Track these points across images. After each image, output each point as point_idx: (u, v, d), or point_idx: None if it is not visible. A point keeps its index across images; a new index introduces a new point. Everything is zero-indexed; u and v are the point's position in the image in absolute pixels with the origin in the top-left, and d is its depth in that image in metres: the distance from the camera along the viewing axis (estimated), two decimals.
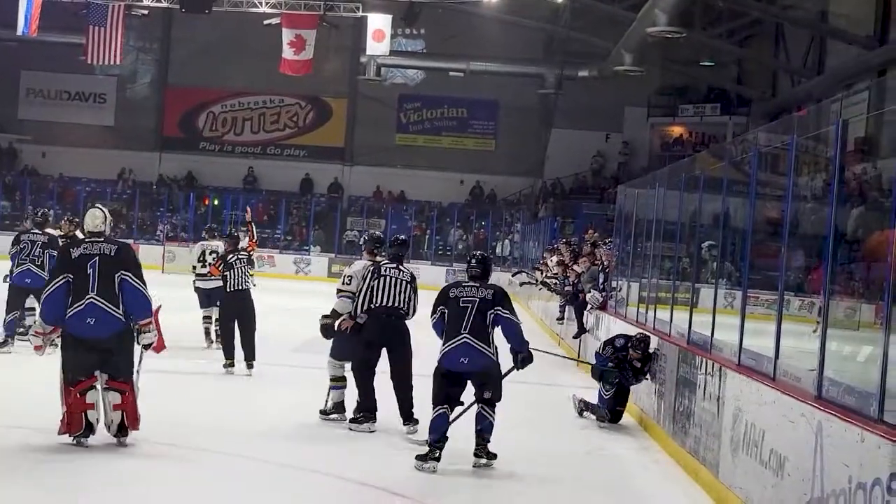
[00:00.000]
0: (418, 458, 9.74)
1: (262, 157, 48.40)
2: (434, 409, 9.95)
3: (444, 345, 10.09)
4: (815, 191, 9.10)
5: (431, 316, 10.39)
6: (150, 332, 9.74)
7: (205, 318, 17.22)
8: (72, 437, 9.46)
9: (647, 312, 13.98)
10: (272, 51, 36.66)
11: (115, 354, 9.58)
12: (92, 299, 9.45)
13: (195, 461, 9.67)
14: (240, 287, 14.67)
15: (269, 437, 10.79)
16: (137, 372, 9.90)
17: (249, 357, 14.65)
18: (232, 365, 14.64)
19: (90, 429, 9.53)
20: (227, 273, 14.68)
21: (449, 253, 44.00)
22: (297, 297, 30.44)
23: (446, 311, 10.20)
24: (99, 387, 9.58)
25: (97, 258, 9.53)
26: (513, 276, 35.37)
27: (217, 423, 11.33)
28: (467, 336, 9.92)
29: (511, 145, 46.54)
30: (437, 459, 9.69)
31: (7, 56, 44.92)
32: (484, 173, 46.96)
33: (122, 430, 9.62)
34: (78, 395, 9.44)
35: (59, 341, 9.74)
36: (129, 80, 48.11)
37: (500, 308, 10.02)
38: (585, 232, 24.84)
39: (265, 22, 36.42)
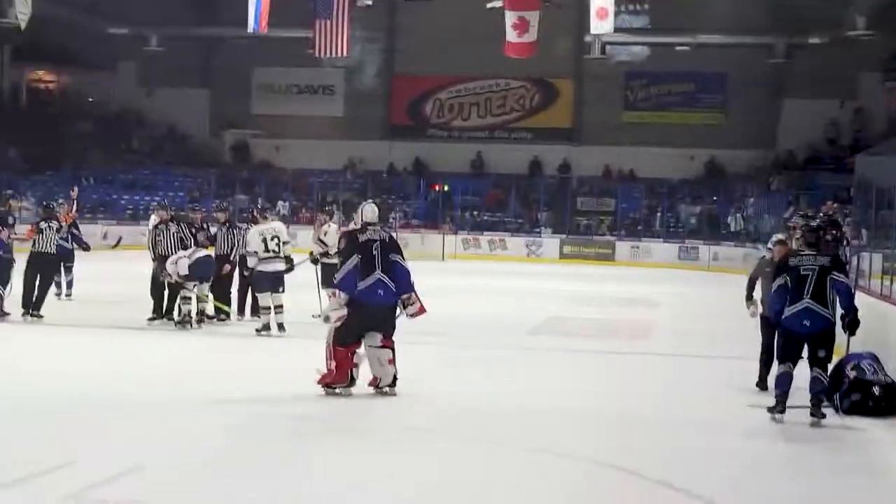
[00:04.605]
0: (769, 409, 11.00)
1: (490, 141, 48.47)
2: (780, 366, 11.14)
3: (787, 308, 11.05)
4: None
5: (772, 283, 11.30)
6: (414, 303, 11.70)
7: None
8: (331, 388, 11.38)
9: (892, 285, 13.45)
10: (496, 34, 36.58)
11: (390, 319, 11.57)
12: (379, 276, 11.45)
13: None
14: (45, 250, 17.33)
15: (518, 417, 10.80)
16: None
17: (38, 307, 17.12)
18: (27, 313, 16.98)
19: (353, 382, 11.47)
20: (38, 237, 17.30)
21: (681, 230, 43.32)
22: (529, 279, 30.50)
23: (788, 279, 11.11)
24: (361, 350, 11.47)
25: (378, 243, 11.53)
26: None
27: (476, 404, 11.42)
28: (809, 301, 10.93)
29: (741, 118, 45.43)
30: (783, 411, 10.93)
31: (239, 53, 46.22)
32: (713, 147, 46.04)
33: (394, 382, 11.52)
34: (349, 354, 11.40)
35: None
36: (357, 71, 48.78)
37: (836, 273, 11.02)
38: (823, 204, 24.05)
39: (488, 5, 36.41)
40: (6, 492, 7.50)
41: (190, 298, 16.65)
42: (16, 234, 17.83)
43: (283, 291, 16.37)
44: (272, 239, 16.28)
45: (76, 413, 10.29)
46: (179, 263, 16.42)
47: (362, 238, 11.60)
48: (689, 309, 23.23)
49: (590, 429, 10.47)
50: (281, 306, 16.28)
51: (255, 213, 17.70)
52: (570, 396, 12.27)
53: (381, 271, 11.46)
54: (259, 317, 16.79)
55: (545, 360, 15.25)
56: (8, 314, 16.95)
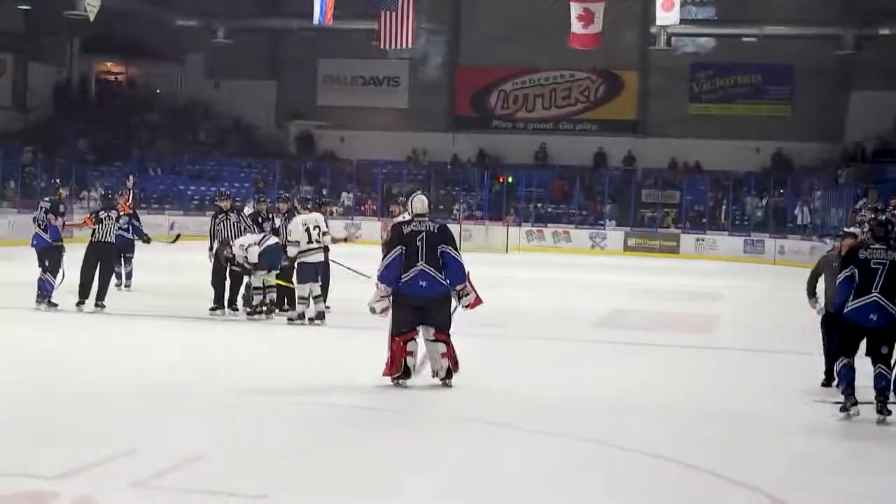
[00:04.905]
0: (841, 408, 10.71)
1: (555, 132, 48.37)
2: (840, 360, 10.83)
3: (851, 302, 10.77)
4: None
5: (838, 275, 10.99)
6: (468, 294, 11.67)
7: None
8: (392, 379, 11.37)
9: None
10: (560, 26, 36.53)
11: (439, 311, 11.47)
12: (422, 267, 11.35)
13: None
14: (105, 239, 17.19)
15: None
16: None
17: (100, 297, 17.01)
18: (83, 303, 16.86)
19: (407, 373, 11.43)
20: (97, 226, 17.18)
21: (747, 222, 42.94)
22: (593, 271, 30.41)
23: (856, 271, 10.78)
24: (419, 339, 11.44)
25: (424, 234, 11.44)
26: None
27: (556, 397, 11.38)
28: (877, 295, 10.62)
29: (808, 110, 44.96)
30: (856, 403, 10.61)
31: (305, 45, 46.54)
32: (780, 139, 45.61)
33: (448, 374, 11.45)
34: (402, 344, 11.36)
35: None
36: (421, 63, 48.88)
37: None
38: (893, 197, 23.78)
39: None
40: (70, 480, 7.56)
41: (260, 289, 16.67)
42: (67, 222, 17.93)
43: (321, 281, 16.37)
44: (314, 228, 16.17)
45: (136, 402, 10.36)
46: (250, 251, 16.33)
47: (407, 229, 11.57)
48: (753, 303, 23.02)
49: (651, 423, 10.41)
50: (320, 296, 16.23)
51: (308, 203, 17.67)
52: (633, 390, 12.20)
53: (425, 263, 11.38)
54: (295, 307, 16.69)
55: (608, 352, 15.20)
56: (56, 305, 16.82)
